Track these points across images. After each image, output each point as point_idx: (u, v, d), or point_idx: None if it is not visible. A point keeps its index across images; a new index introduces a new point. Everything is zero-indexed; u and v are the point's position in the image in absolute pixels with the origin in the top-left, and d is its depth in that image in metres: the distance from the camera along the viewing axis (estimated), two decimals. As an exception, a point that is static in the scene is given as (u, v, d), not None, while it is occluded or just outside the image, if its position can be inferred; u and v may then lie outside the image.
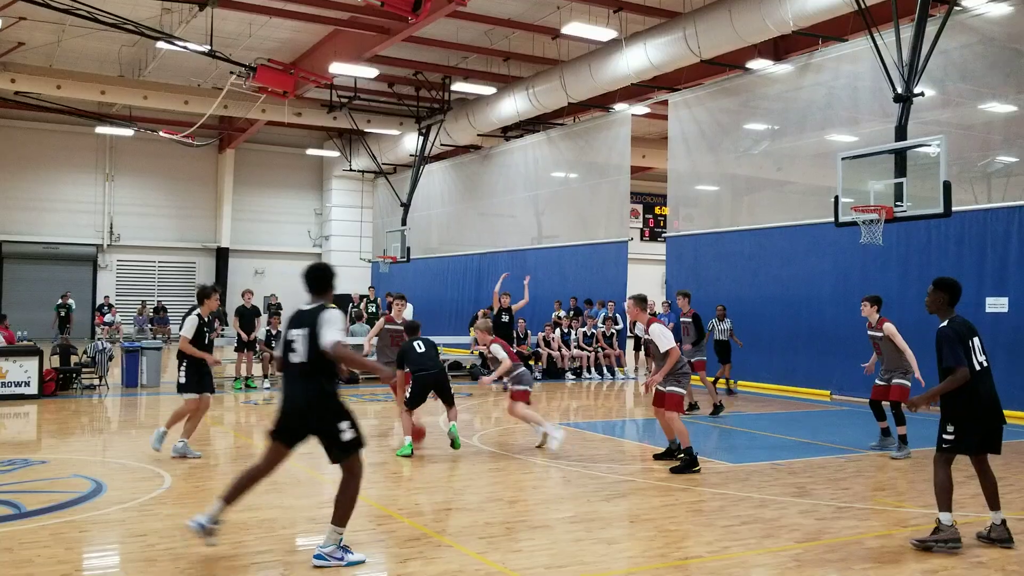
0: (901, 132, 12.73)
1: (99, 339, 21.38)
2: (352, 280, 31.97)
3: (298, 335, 5.55)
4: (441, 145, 26.47)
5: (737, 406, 14.83)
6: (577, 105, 22.12)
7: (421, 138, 26.31)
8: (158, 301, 31.56)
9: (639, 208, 34.90)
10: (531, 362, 19.44)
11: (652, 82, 20.01)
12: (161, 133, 25.80)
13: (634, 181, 23.83)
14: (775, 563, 5.84)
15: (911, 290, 14.85)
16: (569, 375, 19.54)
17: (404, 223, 27.13)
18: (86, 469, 8.51)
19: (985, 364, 6.17)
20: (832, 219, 13.36)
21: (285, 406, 5.68)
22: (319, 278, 5.72)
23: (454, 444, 9.63)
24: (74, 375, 15.46)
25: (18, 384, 13.99)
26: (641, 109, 22.73)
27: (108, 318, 29.31)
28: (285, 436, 5.67)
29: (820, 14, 15.14)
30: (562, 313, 21.05)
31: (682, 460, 8.78)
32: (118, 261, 31.91)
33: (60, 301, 27.91)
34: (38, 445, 10.55)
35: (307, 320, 5.54)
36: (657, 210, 35.18)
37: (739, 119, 19.76)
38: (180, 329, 9.39)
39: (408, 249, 25.90)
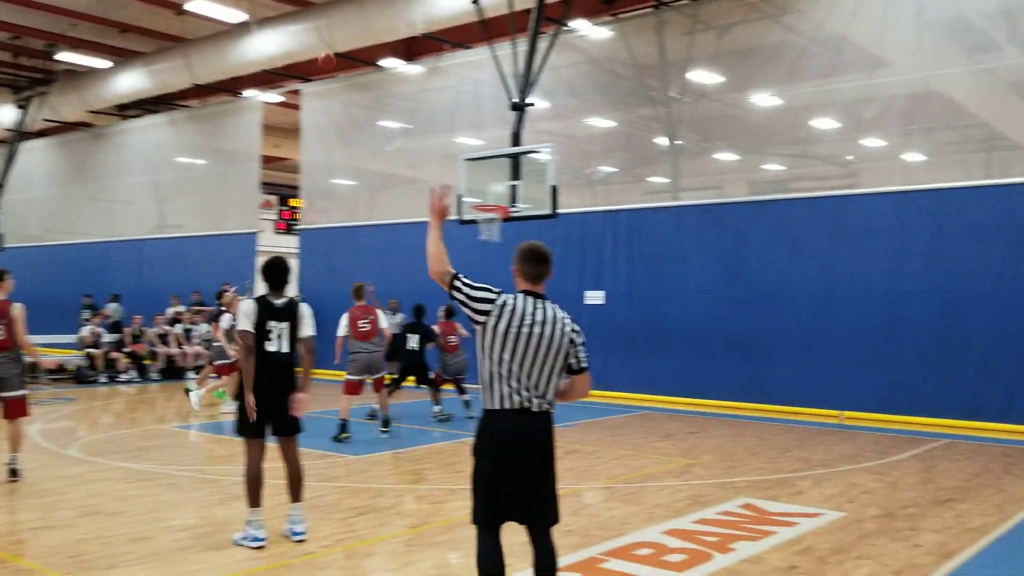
0: (516, 138, 13.70)
1: None
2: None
3: None
4: (44, 121, 23.65)
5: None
6: (204, 88, 20.97)
7: (19, 111, 23.28)
8: None
9: (273, 199, 33.99)
10: (147, 361, 18.11)
11: (285, 70, 19.57)
12: None
13: (268, 171, 23.20)
14: (386, 551, 5.97)
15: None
16: (191, 375, 18.47)
17: (-3, 206, 23.90)
18: None
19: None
20: (456, 217, 14.02)
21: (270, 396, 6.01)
22: None
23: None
24: None
25: None
26: (274, 97, 22.12)
27: None
28: None
29: (447, 20, 15.75)
30: (181, 308, 19.84)
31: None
32: None
33: None
34: None
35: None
36: (292, 202, 34.53)
37: (373, 115, 20.03)
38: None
39: (1, 236, 22.87)
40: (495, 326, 3.93)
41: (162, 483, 8.01)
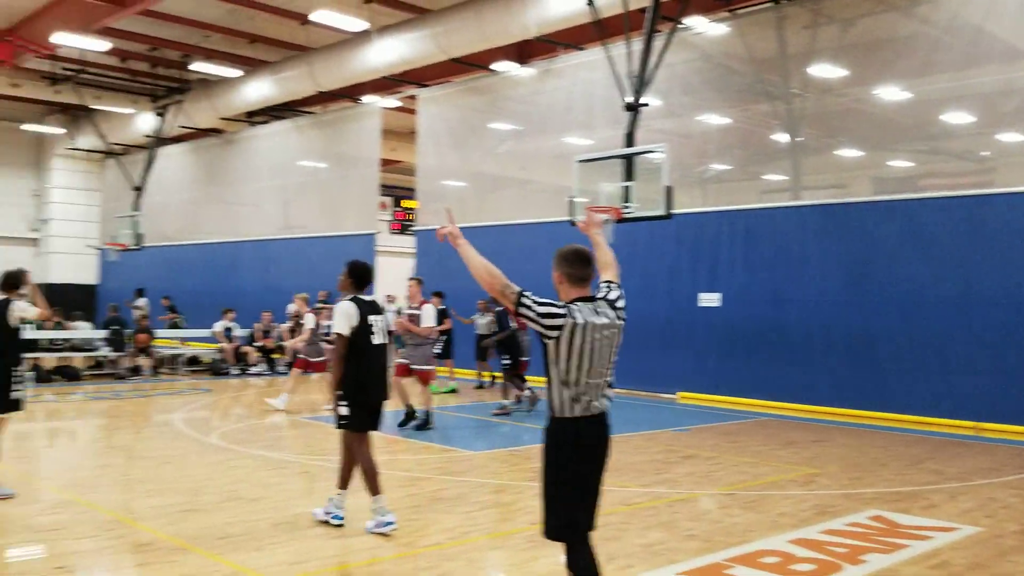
0: (629, 139, 13.67)
1: None
2: (76, 269, 29.40)
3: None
4: (180, 127, 24.97)
5: (473, 397, 15.25)
6: (327, 94, 21.72)
7: (158, 119, 24.65)
8: None
9: (388, 201, 34.87)
10: (275, 356, 18.91)
11: (402, 76, 20.07)
12: None
13: (384, 174, 23.82)
14: (510, 546, 6.10)
15: (631, 284, 16.03)
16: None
17: (137, 208, 25.35)
18: None
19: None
20: (569, 218, 14.10)
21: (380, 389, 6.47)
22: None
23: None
24: None
25: None
26: (392, 102, 22.73)
27: None
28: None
29: (561, 22, 15.82)
30: (305, 307, 20.59)
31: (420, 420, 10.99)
32: None
33: None
34: None
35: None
36: (405, 203, 35.32)
37: (485, 118, 20.32)
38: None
39: (141, 236, 24.28)
40: (570, 341, 3.85)
41: (296, 471, 8.39)
